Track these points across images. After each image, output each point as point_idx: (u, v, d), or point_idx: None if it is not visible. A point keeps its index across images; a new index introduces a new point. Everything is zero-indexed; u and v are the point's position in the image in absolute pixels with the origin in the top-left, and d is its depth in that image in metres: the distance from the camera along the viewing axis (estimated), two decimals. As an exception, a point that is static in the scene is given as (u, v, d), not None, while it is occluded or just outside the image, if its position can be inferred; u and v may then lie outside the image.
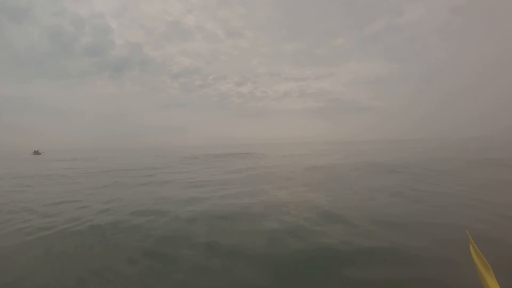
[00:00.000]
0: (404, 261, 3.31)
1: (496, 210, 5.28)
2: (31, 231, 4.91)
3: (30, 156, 52.45)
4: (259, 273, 3.19)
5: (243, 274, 3.18)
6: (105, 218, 5.55)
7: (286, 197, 7.02)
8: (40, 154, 58.45)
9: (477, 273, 1.52)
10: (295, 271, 3.25)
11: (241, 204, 6.40)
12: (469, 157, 17.75)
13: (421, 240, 3.88)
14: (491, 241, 3.80)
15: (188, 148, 75.73)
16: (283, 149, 42.85)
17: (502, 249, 3.55)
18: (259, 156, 28.10)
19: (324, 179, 10.26)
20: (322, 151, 35.15)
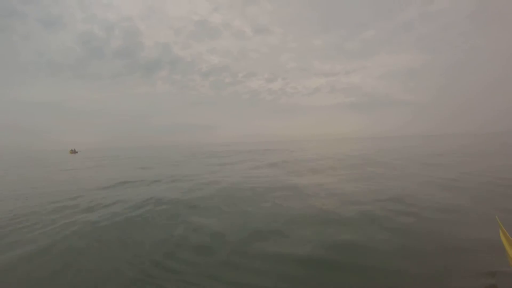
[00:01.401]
0: None
1: None
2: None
3: (69, 155, 55.36)
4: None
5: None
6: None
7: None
8: (76, 152, 61.52)
9: (506, 257, 1.59)
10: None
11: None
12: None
13: None
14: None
15: (220, 145, 76.59)
16: (320, 148, 39.23)
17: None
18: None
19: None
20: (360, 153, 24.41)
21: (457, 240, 3.32)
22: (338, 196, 6.16)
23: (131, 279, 2.85)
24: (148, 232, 4.22)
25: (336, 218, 4.43)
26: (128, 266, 3.12)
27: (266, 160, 18.01)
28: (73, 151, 61.94)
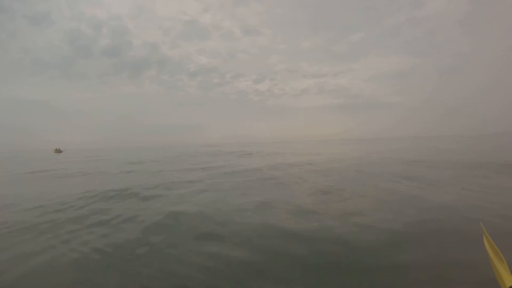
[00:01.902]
0: None
1: None
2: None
3: (53, 154, 54.07)
4: None
5: None
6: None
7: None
8: (61, 152, 59.96)
9: (490, 265, 1.54)
10: None
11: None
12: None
13: None
14: None
15: (205, 146, 75.56)
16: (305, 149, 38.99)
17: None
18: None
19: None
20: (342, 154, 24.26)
21: None
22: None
23: None
24: None
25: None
26: None
27: (233, 166, 14.94)
28: (58, 151, 60.44)
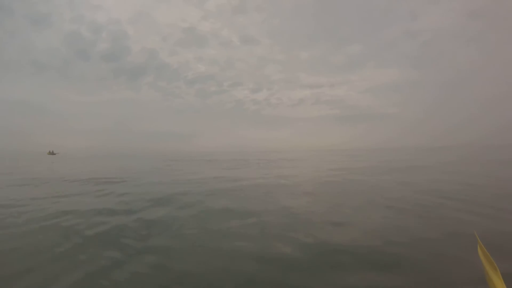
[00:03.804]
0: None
1: None
2: None
3: (47, 156, 54.13)
4: None
5: None
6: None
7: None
8: (54, 154, 59.78)
9: (483, 273, 1.54)
10: None
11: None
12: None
13: None
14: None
15: (198, 154, 75.03)
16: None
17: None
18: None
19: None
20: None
21: None
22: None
23: None
24: None
25: None
26: None
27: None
28: (51, 153, 60.39)
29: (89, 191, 8.47)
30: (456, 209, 5.47)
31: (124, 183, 10.57)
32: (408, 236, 3.91)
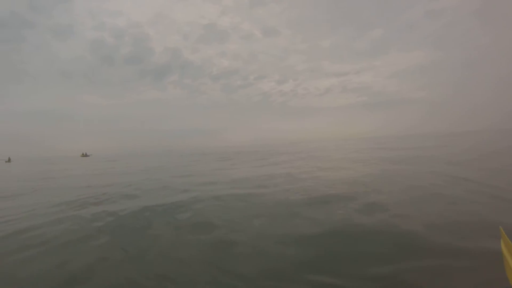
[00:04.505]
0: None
1: None
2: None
3: (80, 158, 56.51)
4: None
5: None
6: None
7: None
8: (88, 156, 62.22)
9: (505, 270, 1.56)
10: None
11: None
12: None
13: None
14: None
15: (224, 148, 75.43)
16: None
17: None
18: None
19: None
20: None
21: None
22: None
23: None
24: None
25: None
26: None
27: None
28: (84, 155, 62.82)
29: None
30: None
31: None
32: None
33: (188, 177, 10.71)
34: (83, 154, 63.42)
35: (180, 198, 6.13)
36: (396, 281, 2.34)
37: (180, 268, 2.79)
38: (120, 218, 4.82)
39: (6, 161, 61.32)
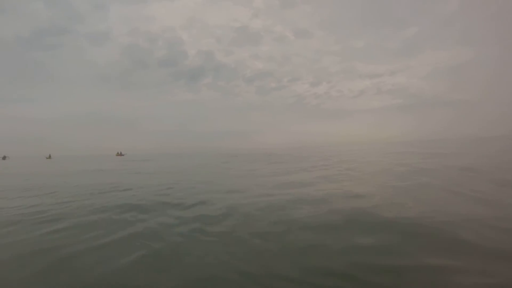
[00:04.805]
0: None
1: None
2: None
3: (115, 157, 59.02)
4: None
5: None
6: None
7: None
8: (123, 155, 64.84)
9: None
10: None
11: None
12: None
13: None
14: None
15: (257, 150, 75.55)
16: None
17: None
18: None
19: None
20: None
21: None
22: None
23: None
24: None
25: None
26: None
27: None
28: (119, 154, 65.47)
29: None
30: None
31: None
32: None
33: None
34: (118, 153, 66.16)
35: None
36: None
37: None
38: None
39: (46, 158, 65.82)
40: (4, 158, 64.52)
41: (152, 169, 17.63)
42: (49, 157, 66.21)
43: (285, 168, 13.72)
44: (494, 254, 2.85)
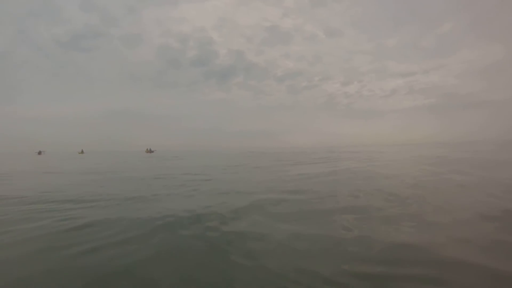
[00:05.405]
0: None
1: None
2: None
3: (145, 153, 55.59)
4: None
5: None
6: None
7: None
8: (152, 152, 61.13)
9: None
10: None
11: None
12: None
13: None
14: None
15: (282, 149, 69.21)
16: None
17: None
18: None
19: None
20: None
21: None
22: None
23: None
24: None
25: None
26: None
27: None
28: (149, 151, 61.91)
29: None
30: None
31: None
32: None
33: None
34: (147, 150, 62.69)
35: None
36: None
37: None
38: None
39: (79, 153, 65.01)
40: (39, 153, 65.19)
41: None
42: (82, 152, 65.73)
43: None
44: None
